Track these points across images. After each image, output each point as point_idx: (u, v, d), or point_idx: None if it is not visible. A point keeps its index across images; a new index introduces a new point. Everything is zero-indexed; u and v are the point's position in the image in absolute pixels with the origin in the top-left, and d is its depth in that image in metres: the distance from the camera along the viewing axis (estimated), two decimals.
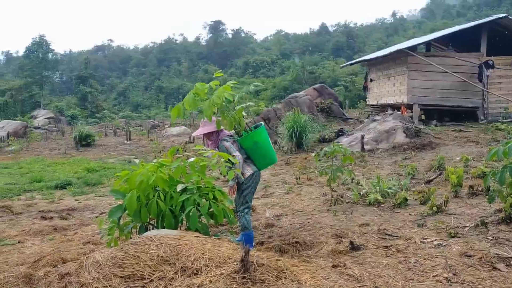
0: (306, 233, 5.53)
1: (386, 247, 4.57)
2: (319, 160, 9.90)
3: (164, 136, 25.39)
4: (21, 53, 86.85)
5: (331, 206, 6.95)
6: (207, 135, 5.14)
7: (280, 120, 15.55)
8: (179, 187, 4.21)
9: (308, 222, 6.09)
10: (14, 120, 42.20)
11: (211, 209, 4.21)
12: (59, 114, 52.91)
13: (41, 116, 49.35)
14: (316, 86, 21.69)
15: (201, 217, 4.23)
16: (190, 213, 4.05)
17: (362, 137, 12.04)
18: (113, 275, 3.15)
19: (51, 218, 8.97)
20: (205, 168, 4.44)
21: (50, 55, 74.83)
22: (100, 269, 3.21)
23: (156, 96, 77.43)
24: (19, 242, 7.28)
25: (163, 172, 4.17)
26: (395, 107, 17.87)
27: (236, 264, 3.28)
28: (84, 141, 23.96)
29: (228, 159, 4.39)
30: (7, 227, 8.45)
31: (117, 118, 55.54)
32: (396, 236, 4.91)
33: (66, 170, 16.32)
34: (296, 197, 8.09)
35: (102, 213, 8.80)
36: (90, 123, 48.44)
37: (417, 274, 3.67)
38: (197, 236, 3.74)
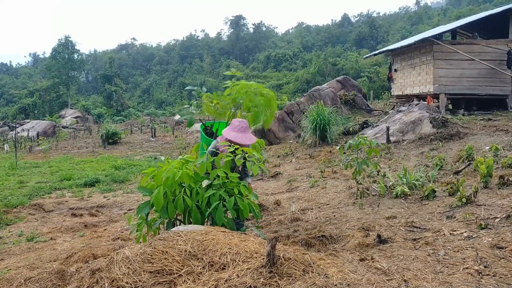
0: (332, 226, 5.51)
1: (414, 239, 4.51)
2: (344, 153, 9.87)
3: (188, 133, 25.60)
4: (47, 54, 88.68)
5: (357, 199, 6.90)
6: None
7: (303, 113, 15.50)
8: (205, 183, 4.25)
9: (334, 216, 6.06)
10: (43, 120, 43.28)
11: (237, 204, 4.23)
12: (86, 113, 53.91)
13: (69, 116, 50.43)
14: (339, 78, 21.46)
15: (227, 212, 4.26)
16: (216, 209, 4.09)
17: (388, 128, 11.88)
18: (143, 270, 3.21)
19: (81, 215, 9.18)
20: (229, 164, 4.47)
21: (75, 56, 76.14)
22: (130, 264, 3.28)
23: (179, 92, 78.03)
24: (51, 239, 7.49)
25: (188, 168, 4.21)
26: (421, 97, 17.54)
27: (263, 258, 3.29)
28: (111, 139, 24.40)
29: (253, 154, 4.40)
30: (39, 224, 8.69)
31: (142, 115, 56.27)
32: (424, 229, 4.84)
33: (94, 168, 16.67)
34: (321, 191, 8.05)
35: (130, 210, 8.96)
36: (116, 121, 49.23)
37: (447, 267, 3.61)
38: (223, 231, 3.77)
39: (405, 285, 3.21)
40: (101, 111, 58.29)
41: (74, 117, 49.44)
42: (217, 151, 4.69)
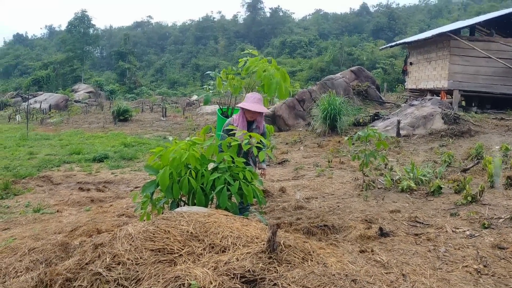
0: (335, 216, 5.52)
1: (416, 234, 4.51)
2: (353, 144, 9.83)
3: (198, 114, 25.64)
4: (63, 28, 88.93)
5: (362, 191, 6.89)
6: (258, 114, 5.08)
7: (314, 102, 15.42)
8: (211, 166, 4.27)
9: (338, 206, 6.07)
10: (56, 93, 43.55)
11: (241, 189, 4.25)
12: (99, 89, 54.13)
13: (82, 90, 50.71)
14: (353, 68, 21.27)
15: (231, 196, 4.29)
16: (221, 192, 4.11)
17: (399, 122, 11.80)
18: (144, 248, 3.26)
19: (88, 189, 9.30)
20: (236, 148, 4.48)
21: (91, 30, 76.25)
22: (132, 241, 3.32)
23: (192, 74, 77.97)
24: (57, 211, 7.60)
25: (195, 150, 4.23)
26: (435, 92, 17.37)
27: (263, 244, 3.32)
28: (122, 116, 24.52)
29: (260, 141, 4.41)
30: (46, 196, 8.81)
31: (154, 94, 56.35)
32: (427, 224, 4.84)
33: (104, 143, 16.79)
34: (327, 180, 8.06)
35: (136, 187, 9.04)
36: (128, 99, 49.41)
37: (446, 264, 3.61)
38: (226, 215, 3.80)
39: (403, 279, 3.22)
40: (114, 87, 58.41)
41: (87, 92, 49.68)
42: (231, 128, 4.79)
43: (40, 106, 33.38)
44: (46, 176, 10.62)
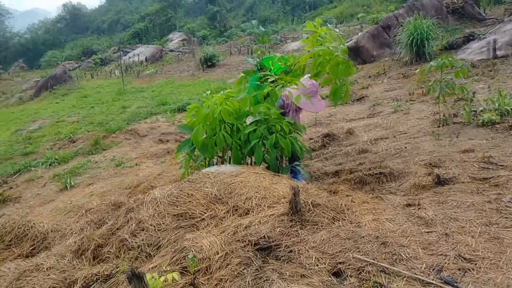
0: (400, 160, 5.05)
1: (484, 179, 3.94)
2: (444, 71, 8.85)
3: (284, 52, 25.05)
4: None
5: (439, 127, 6.24)
6: None
7: (401, 27, 14.11)
8: (249, 120, 4.07)
9: (406, 148, 5.55)
10: (152, 44, 45.39)
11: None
12: (191, 36, 55.22)
13: (176, 39, 52.15)
14: None
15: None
16: (256, 147, 3.92)
17: (495, 41, 10.37)
18: (167, 213, 3.24)
19: (167, 141, 9.67)
20: (276, 96, 4.20)
21: None
22: (157, 206, 3.32)
23: (282, 8, 75.86)
24: (136, 164, 8.02)
25: (228, 104, 4.05)
26: None
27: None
28: (209, 62, 24.89)
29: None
30: (130, 150, 9.34)
31: (244, 36, 56.03)
32: (501, 166, 4.20)
33: (190, 92, 17.29)
34: (403, 117, 7.43)
35: None
36: (220, 42, 49.80)
37: (506, 217, 3.08)
38: (255, 173, 3.63)
39: (445, 240, 2.82)
40: (206, 32, 59.12)
41: (181, 40, 50.97)
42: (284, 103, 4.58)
43: (138, 59, 35.09)
44: (133, 129, 11.24)
